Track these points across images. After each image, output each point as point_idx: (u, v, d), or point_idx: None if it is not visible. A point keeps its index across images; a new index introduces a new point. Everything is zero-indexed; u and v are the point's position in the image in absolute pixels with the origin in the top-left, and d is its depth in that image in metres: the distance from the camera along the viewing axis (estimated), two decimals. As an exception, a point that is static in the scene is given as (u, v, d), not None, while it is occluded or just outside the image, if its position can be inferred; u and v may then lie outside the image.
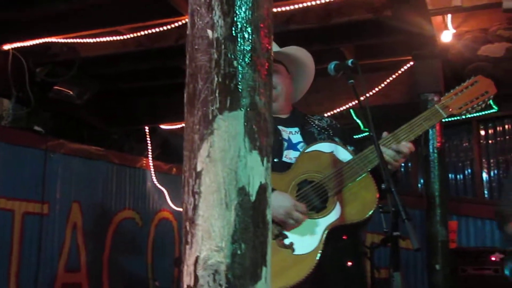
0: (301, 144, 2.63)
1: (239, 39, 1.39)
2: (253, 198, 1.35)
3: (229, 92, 1.37)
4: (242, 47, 1.39)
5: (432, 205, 4.91)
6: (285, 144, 2.62)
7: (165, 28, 4.93)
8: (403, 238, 2.12)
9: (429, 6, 4.19)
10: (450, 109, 2.60)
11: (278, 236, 2.41)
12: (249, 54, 1.39)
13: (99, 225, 6.52)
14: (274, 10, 4.60)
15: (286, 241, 2.40)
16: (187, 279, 1.34)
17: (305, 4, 4.59)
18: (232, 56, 1.38)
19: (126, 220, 6.89)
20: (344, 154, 2.52)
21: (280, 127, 2.66)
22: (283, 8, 4.62)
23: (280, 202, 2.38)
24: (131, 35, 5.18)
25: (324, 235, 2.38)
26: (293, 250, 2.38)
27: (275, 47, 2.75)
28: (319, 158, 2.52)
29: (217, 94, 1.37)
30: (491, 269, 5.57)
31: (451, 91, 2.67)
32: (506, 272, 3.58)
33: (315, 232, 2.40)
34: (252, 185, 1.35)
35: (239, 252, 1.31)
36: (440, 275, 4.79)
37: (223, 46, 1.39)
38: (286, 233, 2.41)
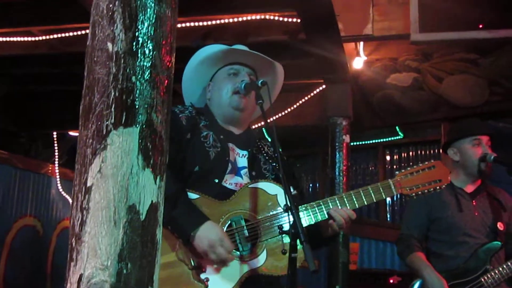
0: (245, 170, 2.54)
1: (139, 55, 1.37)
2: (143, 217, 1.33)
3: (125, 108, 1.35)
4: (142, 63, 1.37)
5: (335, 227, 4.98)
6: (230, 167, 2.50)
7: (79, 33, 4.81)
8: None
9: (341, 33, 4.29)
10: (401, 189, 2.59)
11: (195, 268, 2.30)
12: (148, 70, 1.38)
13: (-3, 232, 6.25)
14: (192, 24, 4.59)
15: (202, 276, 2.29)
16: (69, 298, 1.30)
17: (223, 21, 4.60)
18: (131, 71, 1.36)
19: (27, 228, 6.64)
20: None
21: (230, 145, 2.55)
22: (201, 23, 4.62)
23: (207, 232, 2.26)
24: (44, 37, 5.02)
25: (242, 280, 2.29)
26: (206, 286, 2.27)
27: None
28: (261, 198, 2.40)
29: (113, 109, 1.35)
30: (389, 291, 5.76)
31: (408, 168, 2.69)
32: None
33: (233, 274, 2.29)
34: (142, 204, 1.33)
35: (125, 271, 1.29)
36: (339, 295, 4.87)
37: (122, 61, 1.37)
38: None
